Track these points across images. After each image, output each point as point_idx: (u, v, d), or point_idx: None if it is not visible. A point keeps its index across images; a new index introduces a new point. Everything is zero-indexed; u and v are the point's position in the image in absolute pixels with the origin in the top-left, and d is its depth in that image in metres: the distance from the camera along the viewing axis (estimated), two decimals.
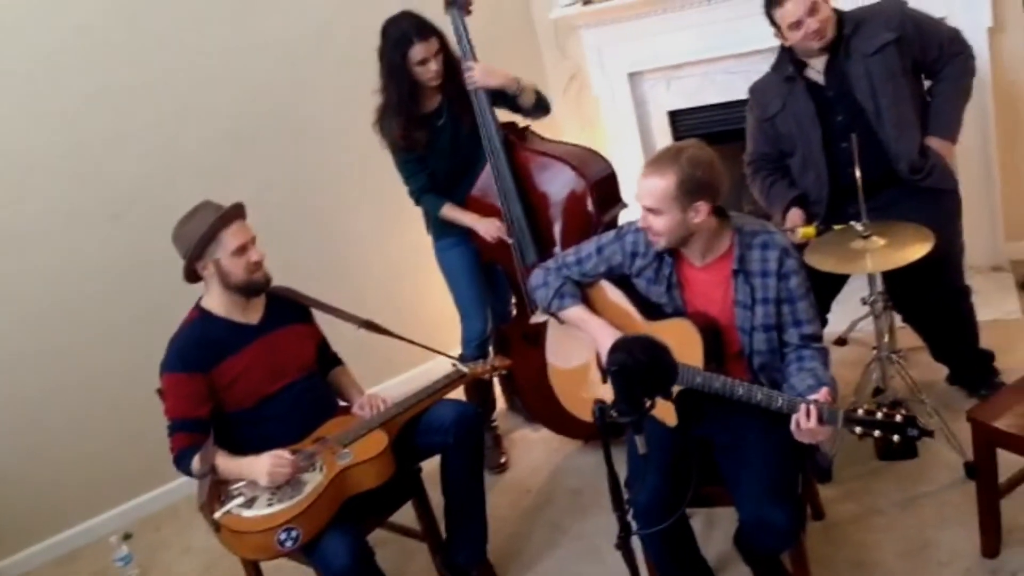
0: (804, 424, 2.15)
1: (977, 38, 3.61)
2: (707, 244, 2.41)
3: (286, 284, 2.83)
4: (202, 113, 3.80)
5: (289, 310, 2.80)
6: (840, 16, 3.04)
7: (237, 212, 2.64)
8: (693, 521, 2.62)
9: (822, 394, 2.20)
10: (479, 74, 3.19)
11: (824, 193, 3.14)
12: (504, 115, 3.36)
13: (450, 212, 3.37)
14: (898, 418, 2.08)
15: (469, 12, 3.23)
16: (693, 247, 2.42)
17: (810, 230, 2.97)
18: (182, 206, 2.65)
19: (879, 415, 2.10)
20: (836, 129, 3.06)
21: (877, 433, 2.10)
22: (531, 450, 3.70)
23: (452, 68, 3.23)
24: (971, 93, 3.11)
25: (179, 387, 2.60)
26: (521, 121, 3.40)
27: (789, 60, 3.12)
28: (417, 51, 3.12)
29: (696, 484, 2.31)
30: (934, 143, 3.05)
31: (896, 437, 2.08)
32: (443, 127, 3.30)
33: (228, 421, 2.66)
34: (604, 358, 2.39)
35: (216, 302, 2.68)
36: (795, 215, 3.15)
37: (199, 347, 2.61)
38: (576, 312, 2.59)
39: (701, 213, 2.31)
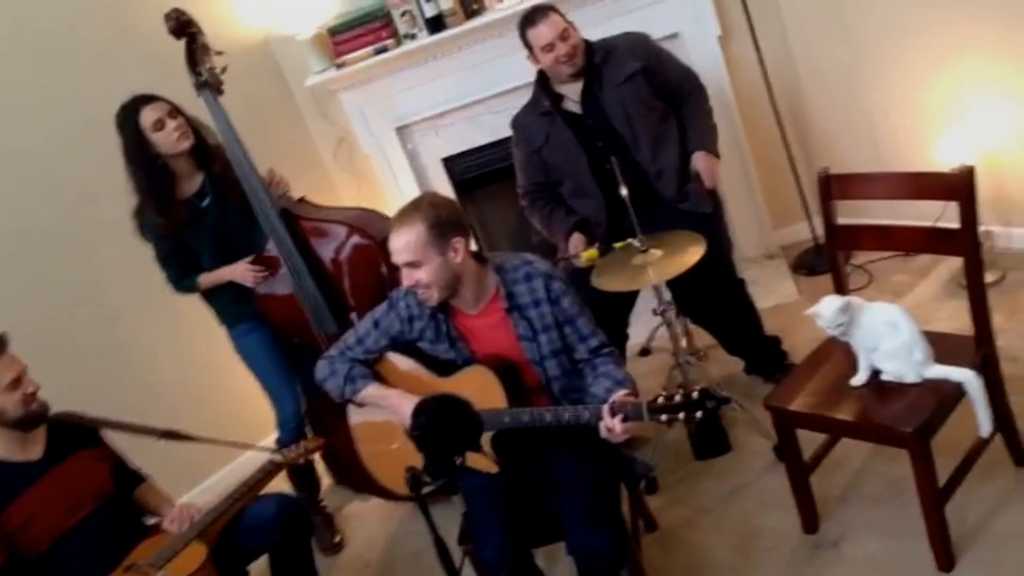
0: (610, 424, 2.20)
1: (710, 46, 3.90)
2: (475, 290, 2.43)
3: (67, 408, 2.64)
4: None
5: (74, 436, 2.62)
6: (589, 45, 3.17)
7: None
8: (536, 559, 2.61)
9: (620, 393, 2.26)
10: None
11: (603, 215, 3.25)
12: None
13: (207, 279, 3.20)
14: (695, 394, 2.18)
15: (221, 92, 3.13)
16: (464, 296, 2.43)
17: (593, 253, 3.04)
18: None
19: (677, 397, 2.19)
20: (599, 153, 3.18)
21: (681, 415, 2.17)
22: (365, 522, 3.60)
23: (204, 142, 3.10)
24: (714, 120, 3.30)
25: None
26: (295, 192, 3.34)
27: (545, 95, 3.22)
28: (147, 115, 2.96)
29: (538, 526, 2.30)
30: (700, 159, 3.20)
31: (699, 413, 2.16)
32: (208, 208, 3.15)
33: (28, 567, 2.45)
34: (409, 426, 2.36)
35: None
36: (576, 240, 3.24)
37: None
38: (371, 391, 2.54)
39: (460, 251, 2.33)
